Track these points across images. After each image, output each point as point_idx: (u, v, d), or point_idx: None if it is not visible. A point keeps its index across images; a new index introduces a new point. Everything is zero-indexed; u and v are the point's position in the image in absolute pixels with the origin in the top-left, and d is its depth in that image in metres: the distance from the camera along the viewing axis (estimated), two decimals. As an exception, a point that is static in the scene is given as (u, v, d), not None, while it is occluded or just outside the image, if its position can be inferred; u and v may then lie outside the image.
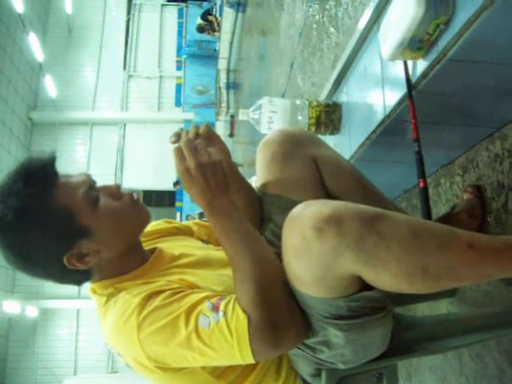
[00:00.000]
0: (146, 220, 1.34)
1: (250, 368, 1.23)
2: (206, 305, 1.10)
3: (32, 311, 15.17)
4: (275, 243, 1.25)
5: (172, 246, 1.43)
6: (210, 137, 1.25)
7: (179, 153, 1.11)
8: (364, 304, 1.07)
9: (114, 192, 1.27)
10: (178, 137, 1.18)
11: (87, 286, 1.32)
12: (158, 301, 1.12)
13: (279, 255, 1.11)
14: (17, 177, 1.15)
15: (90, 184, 1.23)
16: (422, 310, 2.07)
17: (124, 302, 1.16)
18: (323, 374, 1.19)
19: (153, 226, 1.52)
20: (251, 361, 1.08)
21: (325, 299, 1.05)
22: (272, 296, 1.08)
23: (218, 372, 1.22)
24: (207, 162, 1.11)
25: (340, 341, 1.09)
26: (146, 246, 1.41)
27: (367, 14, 1.78)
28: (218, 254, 1.40)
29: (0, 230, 1.15)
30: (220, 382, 1.23)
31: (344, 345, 1.10)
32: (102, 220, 1.21)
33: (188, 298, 1.12)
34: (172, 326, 1.09)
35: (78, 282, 1.29)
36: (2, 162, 14.52)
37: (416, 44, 1.36)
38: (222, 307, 1.08)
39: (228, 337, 1.06)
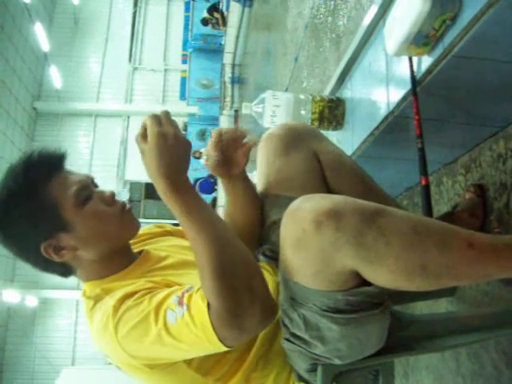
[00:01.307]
0: (131, 231, 1.37)
1: (236, 365, 1.23)
2: (173, 299, 1.09)
3: (31, 301, 15.22)
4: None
5: (160, 247, 1.46)
6: (235, 139, 1.35)
7: (156, 118, 1.09)
8: (362, 299, 1.06)
9: (107, 198, 1.31)
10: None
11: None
12: (131, 301, 1.13)
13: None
14: (21, 163, 1.23)
15: (85, 184, 1.28)
16: (421, 308, 2.07)
17: (104, 306, 1.18)
18: (319, 370, 1.19)
19: (144, 229, 1.55)
20: (223, 348, 1.07)
21: (323, 292, 1.05)
22: (231, 281, 1.04)
23: (205, 369, 1.22)
24: (183, 137, 1.10)
25: (335, 335, 1.08)
26: (135, 248, 1.43)
27: (373, 8, 1.77)
28: None
29: None
30: (207, 379, 1.23)
31: (339, 339, 1.09)
32: (85, 219, 1.25)
33: (158, 295, 1.13)
34: (143, 324, 1.10)
35: (61, 274, 1.34)
36: (5, 151, 14.55)
37: (422, 39, 1.35)
38: (185, 300, 1.08)
39: (194, 329, 1.05)
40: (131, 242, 1.45)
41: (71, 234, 1.24)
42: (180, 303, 1.07)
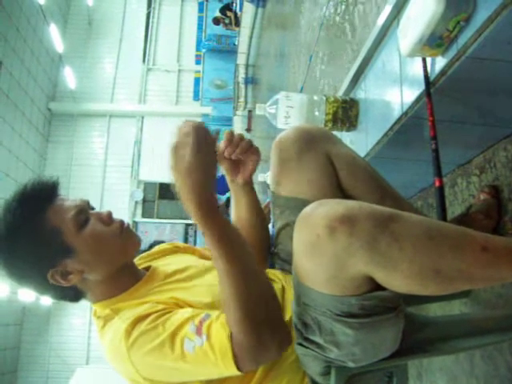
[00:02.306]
0: (132, 248, 1.39)
1: (248, 376, 1.24)
2: (190, 328, 1.12)
3: (46, 300, 15.28)
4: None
5: (168, 263, 1.48)
6: (249, 148, 1.36)
7: (199, 131, 1.09)
8: (376, 303, 1.06)
9: (105, 218, 1.33)
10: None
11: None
12: (144, 325, 1.16)
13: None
14: (16, 196, 1.26)
15: (81, 208, 1.31)
16: (435, 310, 2.06)
17: (114, 328, 1.21)
18: (332, 372, 1.18)
19: (155, 248, 1.60)
20: (238, 373, 1.10)
21: (337, 297, 1.05)
22: (256, 315, 1.09)
23: (216, 382, 1.22)
24: (215, 157, 1.14)
25: (349, 339, 1.08)
26: (142, 265, 1.48)
27: (387, 9, 1.76)
28: (212, 266, 1.42)
29: None
30: None
31: (353, 343, 1.09)
32: (86, 242, 1.28)
33: (172, 320, 1.15)
34: (159, 350, 1.12)
35: (71, 299, 1.37)
36: (20, 151, 14.67)
37: (435, 40, 1.34)
38: (204, 330, 1.11)
39: (213, 358, 1.08)
40: (142, 261, 1.50)
41: (75, 258, 1.27)
42: (198, 333, 1.11)
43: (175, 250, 1.62)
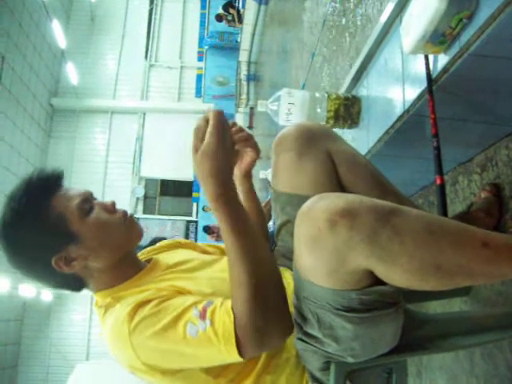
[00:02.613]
0: (135, 236, 1.41)
1: (250, 366, 1.25)
2: (194, 312, 1.13)
3: (47, 296, 15.33)
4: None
5: (170, 256, 1.51)
6: (247, 139, 1.39)
7: (220, 117, 1.10)
8: (376, 298, 1.06)
9: (109, 208, 1.37)
10: None
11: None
12: (146, 310, 1.17)
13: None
14: (21, 185, 1.29)
15: (86, 197, 1.34)
16: (435, 307, 2.06)
17: (116, 314, 1.22)
18: (332, 367, 1.18)
19: (158, 244, 1.63)
20: (239, 360, 1.11)
21: (337, 291, 1.05)
22: (264, 297, 1.09)
23: (216, 371, 1.24)
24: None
25: (348, 334, 1.08)
26: (144, 258, 1.50)
27: (390, 6, 1.76)
28: (213, 260, 1.46)
29: (1, 229, 1.28)
30: (219, 381, 1.25)
31: (353, 338, 1.09)
32: (91, 229, 1.31)
33: (175, 305, 1.17)
34: (161, 335, 1.13)
35: (73, 288, 1.39)
36: (22, 147, 14.68)
37: (438, 38, 1.34)
38: (208, 315, 1.12)
39: (216, 343, 1.09)
40: (144, 255, 1.53)
41: (79, 245, 1.29)
42: (202, 317, 1.11)
43: (177, 246, 1.64)
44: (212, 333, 1.09)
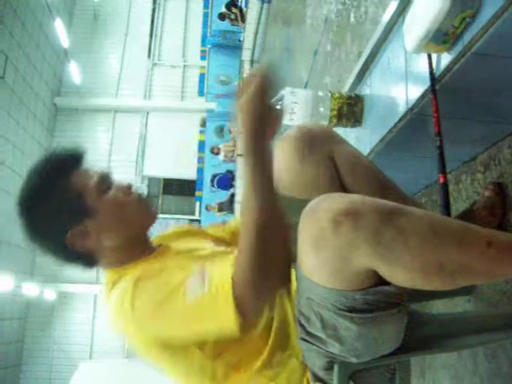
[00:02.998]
0: (148, 219, 1.46)
1: (253, 355, 1.26)
2: (193, 275, 1.15)
3: (50, 294, 15.34)
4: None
5: (181, 244, 1.52)
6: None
7: (270, 74, 1.18)
8: (380, 298, 1.06)
9: (125, 189, 1.41)
10: None
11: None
12: (148, 280, 1.21)
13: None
14: (43, 160, 1.36)
15: (104, 176, 1.39)
16: (438, 307, 2.06)
17: (121, 287, 1.24)
18: (335, 368, 1.18)
19: (170, 230, 1.67)
20: (234, 325, 1.09)
21: (340, 291, 1.05)
22: (268, 249, 1.10)
23: (217, 353, 1.25)
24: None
25: (352, 334, 1.08)
26: (156, 243, 1.52)
27: (393, 5, 1.76)
28: (224, 252, 1.45)
29: (20, 201, 1.33)
30: (217, 364, 1.26)
31: (356, 338, 1.09)
32: (107, 207, 1.35)
33: (177, 274, 1.19)
34: (162, 300, 1.16)
35: (84, 264, 1.40)
36: (25, 145, 14.68)
37: (441, 37, 1.34)
38: (207, 275, 1.14)
39: (214, 305, 1.10)
40: (156, 240, 1.54)
41: (95, 221, 1.33)
42: (201, 278, 1.13)
43: (188, 233, 1.65)
44: (210, 295, 1.10)
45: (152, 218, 1.46)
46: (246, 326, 1.12)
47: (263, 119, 1.15)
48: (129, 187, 1.41)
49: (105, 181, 1.38)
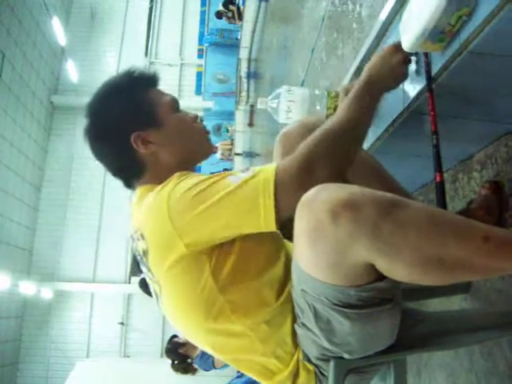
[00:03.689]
0: (207, 149, 1.53)
1: (256, 303, 1.24)
2: (236, 172, 1.18)
3: (47, 293, 15.35)
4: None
5: None
6: None
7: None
8: (374, 294, 1.06)
9: (193, 117, 1.50)
10: None
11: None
12: (190, 176, 1.22)
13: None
14: (124, 72, 1.49)
15: (176, 100, 1.50)
16: (435, 305, 2.06)
17: (156, 191, 1.24)
18: (331, 364, 1.19)
19: None
20: (272, 217, 1.10)
21: (336, 286, 1.05)
22: (335, 151, 1.21)
23: (226, 283, 1.21)
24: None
25: (345, 329, 1.08)
26: None
27: (389, 3, 1.76)
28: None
29: (99, 93, 1.48)
30: (219, 297, 1.21)
31: (349, 333, 1.09)
32: (174, 123, 1.44)
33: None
34: (199, 187, 1.15)
35: (132, 173, 1.44)
36: (22, 144, 14.68)
37: (437, 35, 1.34)
38: (251, 168, 1.16)
39: (254, 184, 1.11)
40: None
41: (160, 132, 1.40)
42: (244, 171, 1.16)
43: None
44: (252, 177, 1.12)
45: (210, 149, 1.53)
46: (281, 215, 1.11)
47: (390, 73, 1.35)
48: (196, 117, 1.50)
49: (176, 103, 1.48)
